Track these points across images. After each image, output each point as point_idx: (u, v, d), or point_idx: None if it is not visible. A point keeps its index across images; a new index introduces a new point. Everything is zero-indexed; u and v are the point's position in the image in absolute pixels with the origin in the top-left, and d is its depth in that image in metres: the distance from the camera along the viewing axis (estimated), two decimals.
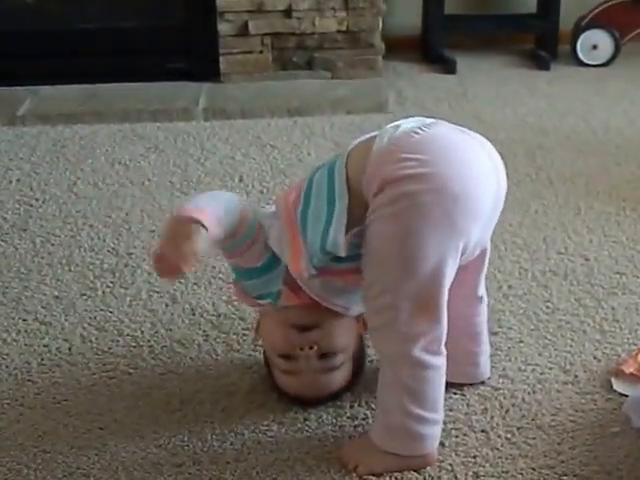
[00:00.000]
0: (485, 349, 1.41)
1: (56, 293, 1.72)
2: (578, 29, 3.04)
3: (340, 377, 1.34)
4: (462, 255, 1.19)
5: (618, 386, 1.40)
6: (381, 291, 1.19)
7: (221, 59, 2.80)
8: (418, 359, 1.19)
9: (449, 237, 1.15)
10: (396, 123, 1.23)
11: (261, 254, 1.27)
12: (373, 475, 1.24)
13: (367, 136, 1.26)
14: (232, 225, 1.22)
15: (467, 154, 1.18)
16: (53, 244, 1.91)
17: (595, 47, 3.02)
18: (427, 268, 1.15)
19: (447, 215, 1.14)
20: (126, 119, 2.58)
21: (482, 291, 1.37)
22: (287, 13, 2.76)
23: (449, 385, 1.35)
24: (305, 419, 1.35)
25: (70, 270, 1.80)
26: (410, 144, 1.16)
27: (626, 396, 1.36)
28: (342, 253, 1.18)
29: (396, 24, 3.07)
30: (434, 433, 1.25)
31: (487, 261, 1.35)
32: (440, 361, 1.22)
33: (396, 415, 1.22)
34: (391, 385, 1.22)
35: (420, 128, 1.19)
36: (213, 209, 1.20)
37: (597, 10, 3.04)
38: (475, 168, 1.18)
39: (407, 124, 1.22)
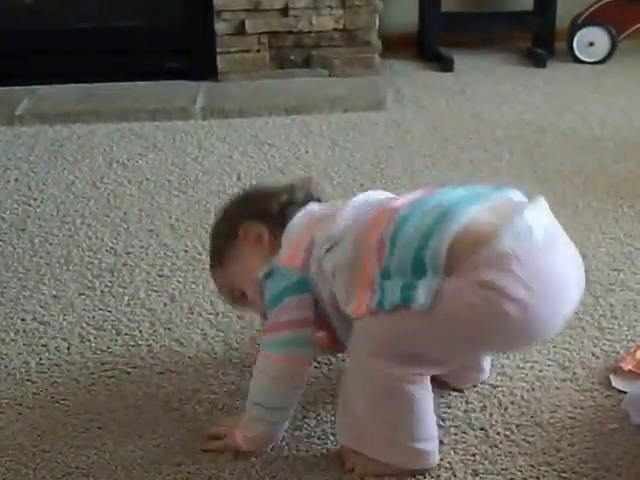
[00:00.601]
0: (489, 355, 1.41)
1: (54, 292, 1.72)
2: (574, 26, 3.05)
3: None
4: None
5: (617, 383, 1.40)
6: (397, 330, 1.16)
7: (218, 58, 2.80)
8: (396, 386, 1.18)
9: (496, 349, 1.27)
10: (527, 220, 1.14)
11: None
12: (370, 475, 1.24)
13: (482, 212, 1.15)
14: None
15: (567, 290, 1.18)
16: (51, 244, 1.91)
17: (592, 44, 3.03)
18: (454, 358, 1.22)
19: (512, 340, 1.19)
20: (124, 118, 2.58)
21: None
22: (284, 12, 2.77)
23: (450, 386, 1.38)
24: (304, 417, 1.35)
25: (68, 269, 1.80)
26: (528, 263, 1.11)
27: (625, 393, 1.36)
28: (425, 312, 1.14)
29: (393, 22, 3.07)
30: (418, 458, 1.22)
31: None
32: (420, 392, 1.19)
33: (378, 436, 1.21)
34: (357, 395, 1.21)
35: (543, 243, 1.13)
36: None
37: (593, 7, 3.05)
38: (566, 307, 1.19)
39: (537, 226, 1.14)
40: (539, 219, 1.17)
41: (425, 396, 1.20)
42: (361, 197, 1.32)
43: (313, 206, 1.33)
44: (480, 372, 1.40)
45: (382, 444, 1.21)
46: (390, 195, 1.33)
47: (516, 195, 1.24)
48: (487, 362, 1.41)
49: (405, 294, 1.14)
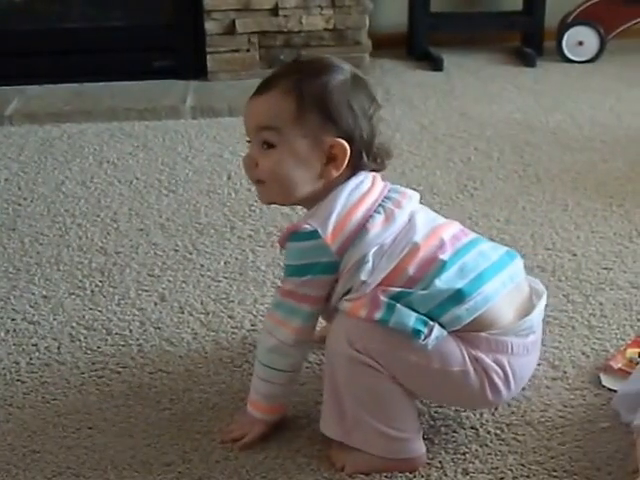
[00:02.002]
0: None
1: (45, 292, 1.72)
2: (564, 26, 3.06)
3: None
4: None
5: (607, 381, 1.40)
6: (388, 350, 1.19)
7: (208, 57, 2.80)
8: (366, 372, 1.19)
9: (461, 407, 1.36)
10: (532, 317, 1.25)
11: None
12: (361, 474, 1.24)
13: (502, 296, 1.22)
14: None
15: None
16: (41, 243, 1.91)
17: (581, 43, 3.04)
18: (427, 397, 1.33)
19: (474, 407, 1.34)
20: (114, 118, 2.58)
21: None
22: (274, 11, 2.77)
23: None
24: (295, 416, 1.35)
25: (59, 269, 1.80)
26: (518, 361, 1.24)
27: (615, 391, 1.36)
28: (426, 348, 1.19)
29: (382, 22, 3.08)
30: (401, 447, 1.24)
31: None
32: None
33: (363, 426, 1.22)
34: (338, 384, 1.22)
35: (532, 346, 1.26)
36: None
37: (582, 7, 3.06)
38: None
39: (534, 324, 1.26)
40: (538, 320, 1.28)
41: (405, 392, 1.22)
42: (416, 206, 1.27)
43: (371, 184, 1.24)
44: None
45: (367, 434, 1.22)
46: (434, 215, 1.31)
47: (519, 267, 1.30)
48: None
49: (418, 326, 1.17)
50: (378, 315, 1.17)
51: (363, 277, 1.20)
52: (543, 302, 1.29)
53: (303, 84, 1.20)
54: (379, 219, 1.21)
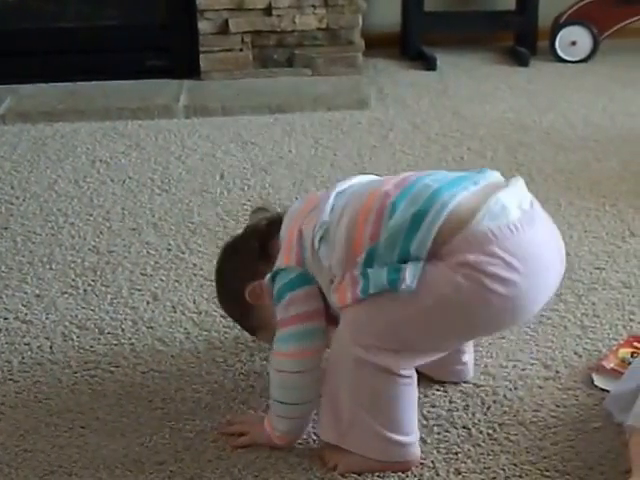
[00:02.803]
0: (471, 349, 1.41)
1: (37, 291, 1.71)
2: (557, 25, 3.06)
3: None
4: None
5: (599, 381, 1.40)
6: (384, 317, 1.17)
7: (201, 57, 2.79)
8: (374, 374, 1.18)
9: (485, 333, 1.27)
10: (501, 198, 1.16)
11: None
12: (353, 474, 1.24)
13: (470, 193, 1.18)
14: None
15: (547, 267, 1.19)
16: (34, 242, 1.90)
17: (574, 43, 3.04)
18: (443, 343, 1.21)
19: (500, 321, 1.19)
20: (107, 117, 2.57)
21: None
22: (267, 11, 2.76)
23: (433, 382, 1.38)
24: None
25: (51, 268, 1.79)
26: (507, 241, 1.14)
27: (607, 391, 1.36)
28: (410, 293, 1.15)
29: (376, 21, 3.08)
30: (400, 451, 1.23)
31: None
32: (400, 381, 1.19)
33: (360, 429, 1.21)
34: (340, 387, 1.21)
35: (520, 223, 1.15)
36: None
37: (576, 6, 3.07)
38: (546, 287, 1.20)
39: (511, 207, 1.16)
40: (513, 199, 1.19)
41: (410, 390, 1.21)
42: (345, 182, 1.31)
43: (293, 206, 1.33)
44: (462, 365, 1.40)
45: (365, 438, 1.21)
46: (375, 178, 1.33)
47: (495, 177, 1.25)
48: (470, 357, 1.41)
49: (392, 276, 1.14)
50: (358, 289, 1.16)
51: (325, 263, 1.21)
52: (518, 182, 1.22)
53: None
54: (308, 214, 1.26)
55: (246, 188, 2.14)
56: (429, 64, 2.99)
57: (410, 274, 1.14)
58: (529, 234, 1.16)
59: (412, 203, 1.17)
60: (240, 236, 1.39)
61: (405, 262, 1.15)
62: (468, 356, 1.41)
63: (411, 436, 1.23)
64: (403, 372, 1.19)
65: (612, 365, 1.42)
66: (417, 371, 1.24)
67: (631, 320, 1.58)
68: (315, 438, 1.30)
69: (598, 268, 1.75)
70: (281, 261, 1.26)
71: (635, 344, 1.45)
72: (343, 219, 1.21)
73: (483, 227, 1.14)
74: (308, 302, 1.24)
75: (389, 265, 1.15)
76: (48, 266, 1.80)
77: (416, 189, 1.20)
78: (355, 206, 1.22)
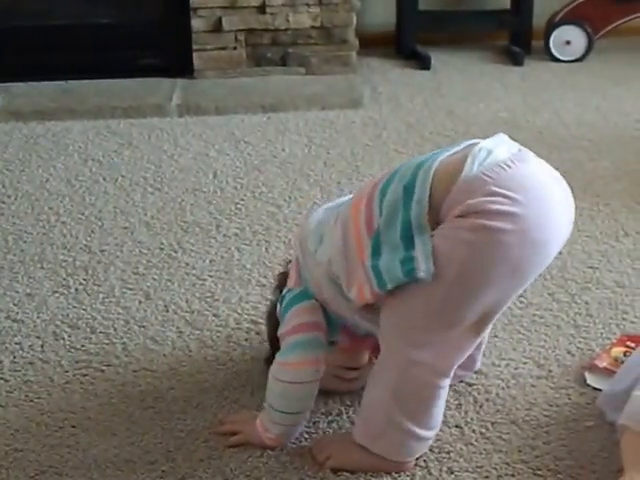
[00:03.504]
0: (481, 355, 1.41)
1: (28, 290, 1.70)
2: (551, 25, 3.06)
3: None
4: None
5: (592, 380, 1.40)
6: (417, 307, 1.15)
7: (194, 55, 2.78)
8: (423, 374, 1.18)
9: (516, 281, 1.15)
10: (486, 145, 1.17)
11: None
12: (345, 471, 1.24)
13: (453, 152, 1.19)
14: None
15: (552, 198, 1.16)
16: (25, 241, 1.89)
17: (568, 43, 3.04)
18: (482, 305, 1.14)
19: (522, 260, 1.13)
20: (99, 115, 2.56)
21: None
22: (261, 9, 2.75)
23: None
24: None
25: (42, 267, 1.79)
26: (503, 178, 1.12)
27: (600, 390, 1.37)
28: (431, 279, 1.13)
29: (370, 20, 3.07)
30: (422, 447, 1.24)
31: None
32: (444, 383, 1.20)
33: (383, 422, 1.21)
34: (384, 391, 1.20)
35: (511, 160, 1.14)
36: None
37: (570, 6, 3.07)
38: (556, 212, 1.16)
39: (498, 150, 1.16)
40: (499, 145, 1.18)
41: (448, 386, 1.22)
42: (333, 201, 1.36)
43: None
44: (469, 370, 1.40)
45: (397, 441, 1.21)
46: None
47: (477, 142, 1.23)
48: (477, 362, 1.41)
49: (407, 268, 1.13)
50: (375, 286, 1.16)
51: (323, 259, 1.23)
52: (502, 135, 1.21)
53: None
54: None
55: (239, 187, 2.13)
56: (423, 63, 2.99)
57: (422, 259, 1.12)
58: (523, 168, 1.15)
59: (400, 180, 1.18)
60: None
61: (409, 237, 1.13)
62: (478, 363, 1.41)
63: (436, 430, 1.24)
64: (450, 370, 1.19)
65: (605, 364, 1.42)
66: None
67: (624, 319, 1.58)
68: (307, 437, 1.30)
69: (591, 267, 1.75)
70: (288, 285, 1.33)
71: (628, 343, 1.45)
72: (338, 220, 1.23)
73: (475, 172, 1.13)
74: (308, 314, 1.27)
75: (398, 255, 1.14)
76: (39, 265, 1.79)
77: (401, 169, 1.21)
78: (347, 206, 1.23)
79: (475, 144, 1.19)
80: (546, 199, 1.15)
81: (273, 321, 1.37)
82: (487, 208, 1.10)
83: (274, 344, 1.38)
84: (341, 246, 1.21)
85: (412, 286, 1.14)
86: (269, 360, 1.40)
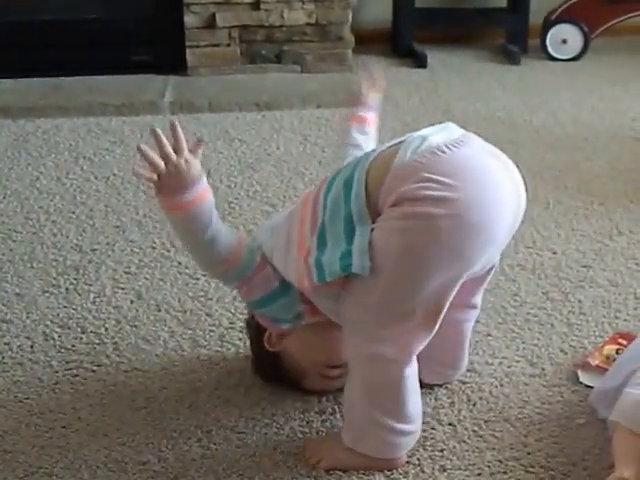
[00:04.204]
0: (467, 352, 1.40)
1: (17, 290, 1.69)
2: (548, 23, 3.06)
3: None
4: (467, 276, 1.17)
5: (584, 378, 1.40)
6: (365, 301, 1.15)
7: (188, 52, 2.77)
8: (386, 367, 1.18)
9: (457, 265, 1.13)
10: (422, 133, 1.16)
11: (268, 282, 1.26)
12: (338, 470, 1.24)
13: (389, 144, 1.20)
14: (221, 242, 1.25)
15: (490, 180, 1.13)
16: (15, 240, 1.88)
17: (565, 41, 3.04)
18: (429, 292, 1.13)
19: (460, 244, 1.11)
20: (90, 113, 2.55)
21: (478, 300, 1.35)
22: (255, 5, 2.74)
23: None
24: (273, 414, 1.35)
25: (32, 267, 1.78)
26: (435, 163, 1.11)
27: (592, 388, 1.37)
28: (367, 273, 1.13)
29: (366, 17, 3.06)
30: (406, 442, 1.23)
31: (492, 274, 1.31)
32: (408, 372, 1.19)
33: (362, 420, 1.21)
34: (357, 389, 1.21)
35: (447, 146, 1.13)
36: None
37: (566, 4, 3.06)
38: (497, 195, 1.13)
39: (434, 136, 1.16)
40: (437, 132, 1.17)
41: (414, 374, 1.21)
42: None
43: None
44: (454, 368, 1.40)
45: (378, 438, 1.21)
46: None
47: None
48: (464, 360, 1.41)
49: (344, 263, 1.14)
50: (314, 278, 1.17)
51: (267, 252, 1.26)
52: (449, 124, 1.21)
53: None
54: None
55: (233, 186, 2.12)
56: (420, 61, 2.98)
57: (357, 254, 1.12)
58: (459, 152, 1.13)
59: (342, 176, 1.19)
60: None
61: (351, 231, 1.14)
62: (463, 362, 1.40)
63: (417, 422, 1.23)
64: (410, 358, 1.18)
65: (597, 362, 1.42)
66: None
67: (617, 317, 1.58)
68: (301, 437, 1.29)
69: (585, 266, 1.75)
70: None
71: (620, 341, 1.45)
72: (288, 215, 1.27)
73: (406, 160, 1.13)
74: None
75: (339, 248, 1.15)
76: (29, 264, 1.78)
77: (345, 167, 1.22)
78: (298, 203, 1.27)
79: (412, 134, 1.19)
80: (484, 182, 1.12)
81: (253, 327, 1.37)
82: (418, 194, 1.09)
83: (257, 350, 1.38)
84: (283, 243, 1.23)
85: (357, 281, 1.14)
86: (255, 365, 1.42)
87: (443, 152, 1.12)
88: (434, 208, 1.09)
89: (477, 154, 1.15)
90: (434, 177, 1.10)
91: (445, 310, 1.17)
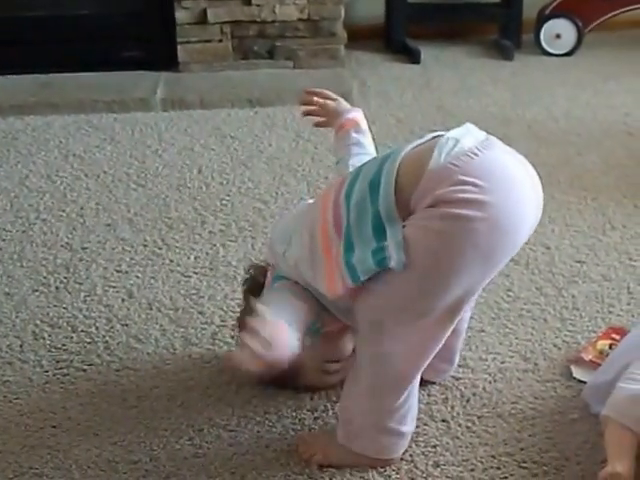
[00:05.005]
0: (461, 347, 1.41)
1: (7, 290, 1.68)
2: (541, 18, 3.05)
3: None
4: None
5: (577, 373, 1.40)
6: (388, 299, 1.15)
7: (179, 48, 2.75)
8: (396, 365, 1.18)
9: (487, 268, 1.15)
10: (452, 135, 1.17)
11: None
12: (330, 467, 1.23)
13: (418, 144, 1.20)
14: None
15: (516, 182, 1.15)
16: (4, 239, 1.87)
17: (558, 36, 3.03)
18: (454, 293, 1.14)
19: (493, 246, 1.13)
20: (81, 110, 2.53)
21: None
22: (247, 1, 2.72)
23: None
24: (265, 412, 1.34)
25: (22, 266, 1.77)
26: (469, 166, 1.12)
27: (585, 383, 1.37)
28: (402, 268, 1.13)
29: (359, 13, 3.05)
30: (402, 443, 1.24)
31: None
32: (416, 374, 1.20)
33: (361, 420, 1.22)
34: (361, 389, 1.21)
35: (478, 149, 1.15)
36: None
37: None
38: (522, 196, 1.16)
39: (464, 139, 1.16)
40: (465, 134, 1.18)
41: (418, 379, 1.22)
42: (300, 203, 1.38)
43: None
44: (450, 364, 1.40)
45: (373, 438, 1.21)
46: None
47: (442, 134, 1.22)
48: (458, 355, 1.40)
49: (378, 258, 1.13)
50: (348, 280, 1.16)
51: (291, 262, 1.25)
52: (469, 125, 1.21)
53: None
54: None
55: (225, 182, 2.12)
56: (413, 57, 2.97)
57: (394, 248, 1.12)
58: (490, 156, 1.15)
59: (365, 178, 1.19)
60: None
61: (381, 230, 1.14)
62: (457, 355, 1.40)
63: (413, 424, 1.24)
64: (420, 359, 1.18)
65: (590, 357, 1.42)
66: None
67: (610, 312, 1.58)
68: (293, 434, 1.29)
69: (579, 261, 1.75)
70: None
71: (613, 336, 1.45)
72: (305, 224, 1.25)
73: (442, 163, 1.13)
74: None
75: (370, 247, 1.14)
76: (19, 263, 1.77)
77: (364, 168, 1.22)
78: (314, 209, 1.25)
79: (441, 135, 1.19)
80: (514, 185, 1.15)
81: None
82: (456, 197, 1.11)
83: None
84: (308, 250, 1.22)
85: (385, 277, 1.14)
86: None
87: (476, 155, 1.14)
88: (472, 211, 1.10)
89: (505, 157, 1.18)
90: (470, 180, 1.11)
91: (463, 312, 1.19)
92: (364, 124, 1.44)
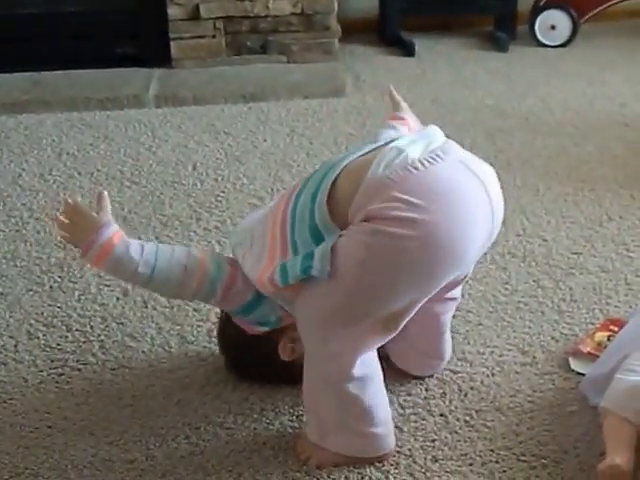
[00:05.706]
0: (449, 340, 1.40)
1: (1, 289, 1.68)
2: (536, 9, 3.04)
3: None
4: (435, 292, 1.18)
5: (576, 365, 1.40)
6: (321, 303, 1.16)
7: (172, 44, 2.74)
8: (336, 367, 1.17)
9: (424, 285, 1.14)
10: (400, 143, 1.15)
11: (245, 292, 1.26)
12: (326, 467, 1.23)
13: (360, 152, 1.18)
14: (173, 275, 1.25)
15: (462, 200, 1.12)
16: None
17: (553, 27, 3.02)
18: (389, 305, 1.14)
19: (426, 265, 1.11)
20: (73, 107, 2.52)
21: (457, 293, 1.34)
22: None
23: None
24: (262, 409, 1.34)
25: (15, 265, 1.76)
26: (405, 182, 1.10)
27: (583, 375, 1.36)
28: (325, 277, 1.13)
29: (352, 5, 3.04)
30: (380, 441, 1.22)
31: (467, 279, 1.32)
32: (359, 372, 1.18)
33: (341, 430, 1.21)
34: (311, 385, 1.21)
35: (421, 161, 1.12)
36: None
37: None
38: (468, 215, 1.13)
39: (411, 148, 1.14)
40: (416, 142, 1.16)
41: (375, 377, 1.20)
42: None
43: None
44: (439, 359, 1.39)
45: (346, 438, 1.21)
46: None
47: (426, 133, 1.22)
48: (447, 349, 1.40)
49: (305, 264, 1.14)
50: (276, 277, 1.17)
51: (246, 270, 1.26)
52: (431, 128, 1.20)
53: None
54: None
55: (220, 179, 2.11)
56: (407, 50, 2.96)
57: (319, 258, 1.12)
58: (433, 169, 1.12)
59: (309, 189, 1.18)
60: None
61: (320, 240, 1.14)
62: (447, 351, 1.39)
63: (388, 425, 1.22)
64: (356, 354, 1.18)
65: (588, 349, 1.41)
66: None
67: (608, 304, 1.57)
68: (290, 432, 1.28)
69: (576, 253, 1.74)
70: None
71: (611, 327, 1.45)
72: (259, 229, 1.25)
73: (379, 175, 1.12)
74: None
75: (305, 253, 1.15)
76: (12, 263, 1.76)
77: (312, 179, 1.20)
78: (271, 211, 1.25)
79: (390, 142, 1.17)
80: (456, 202, 1.12)
81: (227, 334, 1.37)
82: (387, 214, 1.10)
83: (232, 360, 1.38)
84: (258, 250, 1.22)
85: (315, 284, 1.14)
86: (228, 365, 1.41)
87: (416, 169, 1.11)
88: (401, 229, 1.09)
89: (451, 171, 1.14)
90: (404, 197, 1.09)
91: (407, 319, 1.18)
92: (407, 125, 1.39)
